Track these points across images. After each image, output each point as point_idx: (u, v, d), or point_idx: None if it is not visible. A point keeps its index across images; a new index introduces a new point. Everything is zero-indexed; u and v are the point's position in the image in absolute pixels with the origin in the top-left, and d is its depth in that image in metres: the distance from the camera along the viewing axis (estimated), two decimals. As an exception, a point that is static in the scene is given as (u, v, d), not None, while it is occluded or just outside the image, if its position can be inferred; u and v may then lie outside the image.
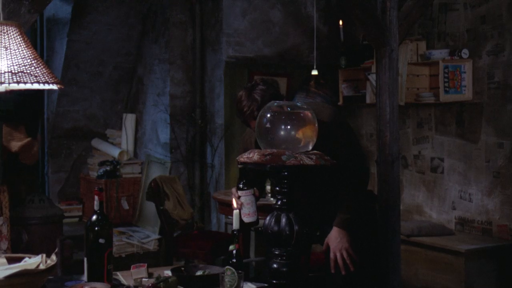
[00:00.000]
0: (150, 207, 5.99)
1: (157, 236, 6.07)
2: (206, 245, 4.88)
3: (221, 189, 5.92)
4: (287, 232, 2.59)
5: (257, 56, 6.10)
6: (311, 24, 5.90)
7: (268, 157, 2.54)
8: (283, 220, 2.60)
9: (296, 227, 2.60)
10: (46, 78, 2.23)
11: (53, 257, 2.28)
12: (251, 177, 2.94)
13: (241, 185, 2.89)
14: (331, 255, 3.02)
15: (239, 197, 2.90)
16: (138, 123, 6.87)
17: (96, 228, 2.42)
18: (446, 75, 5.09)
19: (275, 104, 2.69)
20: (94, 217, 2.43)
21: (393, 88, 4.09)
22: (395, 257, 4.11)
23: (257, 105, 2.92)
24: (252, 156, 2.60)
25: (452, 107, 5.33)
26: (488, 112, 5.07)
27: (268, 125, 2.63)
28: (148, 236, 6.14)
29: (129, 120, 6.83)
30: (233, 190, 2.96)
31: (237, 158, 2.69)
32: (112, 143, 6.87)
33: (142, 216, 6.49)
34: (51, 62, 6.76)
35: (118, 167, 6.53)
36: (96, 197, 2.41)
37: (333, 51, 6.22)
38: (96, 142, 6.88)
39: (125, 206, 6.49)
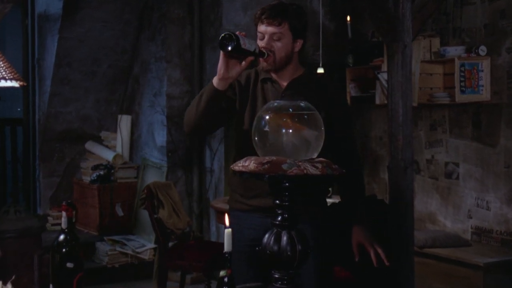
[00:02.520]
0: (146, 214, 5.66)
1: (153, 245, 5.72)
2: (203, 257, 4.53)
3: (221, 196, 5.59)
4: (289, 253, 2.23)
5: (260, 54, 5.76)
6: (316, 20, 5.59)
7: (266, 165, 2.19)
8: (284, 238, 2.25)
9: (299, 247, 2.24)
10: (3, 73, 1.89)
11: (9, 286, 1.93)
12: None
13: None
14: (370, 249, 2.80)
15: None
16: (134, 125, 6.53)
17: (64, 250, 2.05)
18: (462, 73, 4.75)
19: (275, 104, 2.33)
20: (62, 237, 2.06)
21: (406, 87, 3.77)
22: (407, 270, 3.81)
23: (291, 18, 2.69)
24: (248, 164, 2.24)
25: (469, 108, 4.99)
26: (508, 113, 4.72)
27: (266, 129, 2.27)
28: (143, 245, 5.80)
29: (125, 121, 6.50)
30: None
31: (231, 166, 2.33)
32: (106, 146, 6.54)
33: (138, 224, 6.15)
34: (43, 60, 6.44)
35: (112, 171, 6.21)
36: (63, 213, 2.05)
37: (340, 48, 5.90)
38: (90, 145, 6.55)
39: (120, 212, 6.16)
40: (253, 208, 2.77)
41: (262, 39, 2.71)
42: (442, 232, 4.98)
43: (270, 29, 2.68)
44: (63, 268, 2.05)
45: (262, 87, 2.78)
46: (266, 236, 2.27)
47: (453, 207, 5.14)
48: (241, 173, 2.31)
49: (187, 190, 5.96)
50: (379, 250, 2.79)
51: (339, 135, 2.77)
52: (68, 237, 2.07)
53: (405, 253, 3.79)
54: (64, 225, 2.07)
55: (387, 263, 2.81)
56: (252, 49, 2.52)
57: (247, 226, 2.78)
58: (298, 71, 2.80)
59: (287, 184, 2.22)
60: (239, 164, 2.30)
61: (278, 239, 2.25)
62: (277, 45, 2.70)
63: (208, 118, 2.68)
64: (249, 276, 2.78)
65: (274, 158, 2.21)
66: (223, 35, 2.47)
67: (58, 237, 2.08)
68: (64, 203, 2.06)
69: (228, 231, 2.16)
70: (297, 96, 2.68)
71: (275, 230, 2.27)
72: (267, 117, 2.28)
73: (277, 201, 2.27)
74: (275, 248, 2.24)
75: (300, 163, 2.18)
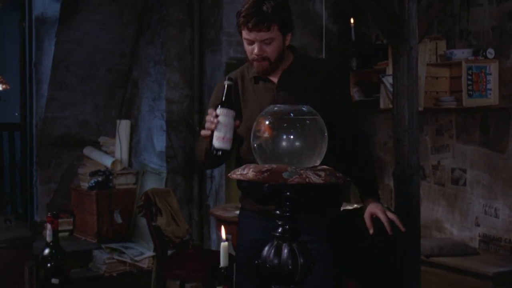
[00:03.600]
0: (146, 221, 5.54)
1: (152, 254, 5.57)
2: (201, 266, 4.40)
3: (221, 203, 5.45)
4: (290, 267, 2.10)
5: (261, 57, 5.63)
6: (319, 22, 5.49)
7: (266, 174, 2.06)
8: (285, 251, 2.12)
9: (300, 260, 2.12)
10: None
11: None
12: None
13: (221, 103, 2.38)
14: (382, 216, 2.60)
15: (216, 116, 2.37)
16: (133, 130, 6.40)
17: (49, 265, 1.92)
18: (469, 77, 4.62)
19: (275, 108, 2.20)
20: (47, 251, 1.94)
21: (412, 91, 3.66)
22: (414, 280, 3.70)
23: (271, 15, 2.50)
24: (247, 172, 2.11)
25: (476, 113, 4.85)
26: (517, 118, 4.60)
27: (266, 135, 2.14)
28: (142, 253, 5.65)
29: (123, 126, 6.36)
30: (210, 110, 2.43)
31: (229, 174, 2.20)
32: (105, 152, 6.40)
33: (137, 231, 6.01)
34: (40, 64, 6.31)
35: (110, 177, 6.07)
36: (48, 226, 1.92)
37: (344, 51, 5.78)
38: (88, 151, 6.41)
39: (118, 219, 6.02)
40: (261, 211, 2.65)
41: (251, 44, 2.55)
42: (449, 240, 4.84)
43: (260, 35, 2.51)
44: (48, 284, 1.92)
45: (253, 87, 2.65)
46: (266, 248, 2.15)
47: (460, 214, 4.99)
48: (239, 181, 2.19)
49: (186, 197, 5.83)
50: (393, 217, 2.60)
51: (337, 115, 2.62)
52: (53, 251, 1.95)
53: (412, 262, 3.68)
54: (49, 238, 1.95)
55: (403, 229, 2.60)
56: (233, 130, 2.42)
57: (254, 227, 2.68)
58: (288, 60, 2.66)
59: (288, 193, 2.10)
60: (237, 172, 2.17)
61: (278, 252, 2.12)
62: (270, 48, 2.55)
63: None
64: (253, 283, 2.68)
65: (274, 166, 2.08)
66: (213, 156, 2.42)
67: (42, 251, 1.95)
68: (49, 214, 1.94)
69: (224, 244, 2.03)
70: (291, 93, 2.57)
71: (275, 242, 2.14)
72: (267, 122, 2.16)
73: (278, 211, 2.14)
74: (275, 261, 2.12)
75: (301, 171, 2.06)
